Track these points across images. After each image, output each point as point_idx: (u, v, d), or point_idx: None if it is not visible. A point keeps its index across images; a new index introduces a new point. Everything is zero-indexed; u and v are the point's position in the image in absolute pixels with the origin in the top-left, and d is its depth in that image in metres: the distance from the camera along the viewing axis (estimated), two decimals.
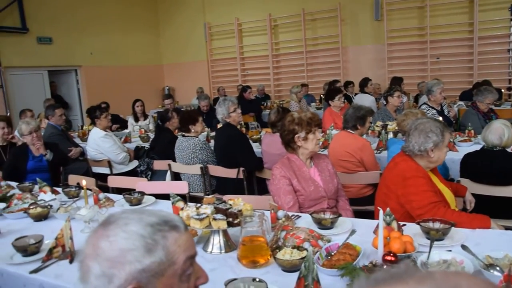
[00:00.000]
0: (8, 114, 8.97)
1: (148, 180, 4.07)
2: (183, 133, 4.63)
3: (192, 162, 4.47)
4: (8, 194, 3.35)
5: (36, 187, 3.58)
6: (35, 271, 2.04)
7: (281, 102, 9.48)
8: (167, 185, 3.80)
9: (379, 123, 5.28)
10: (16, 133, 5.33)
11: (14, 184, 3.80)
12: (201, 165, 4.36)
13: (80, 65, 11.31)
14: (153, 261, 0.94)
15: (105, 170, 5.29)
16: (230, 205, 2.06)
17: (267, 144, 4.32)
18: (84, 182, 2.73)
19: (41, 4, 10.20)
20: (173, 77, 13.66)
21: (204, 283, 1.06)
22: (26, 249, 2.20)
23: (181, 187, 3.48)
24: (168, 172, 4.67)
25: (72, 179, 4.14)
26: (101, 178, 4.94)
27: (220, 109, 4.33)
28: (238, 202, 2.09)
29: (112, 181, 4.09)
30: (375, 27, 10.78)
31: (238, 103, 4.46)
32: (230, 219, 1.98)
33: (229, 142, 4.28)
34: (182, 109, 6.04)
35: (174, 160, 4.67)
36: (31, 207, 2.92)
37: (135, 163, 5.36)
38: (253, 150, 4.44)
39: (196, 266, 1.05)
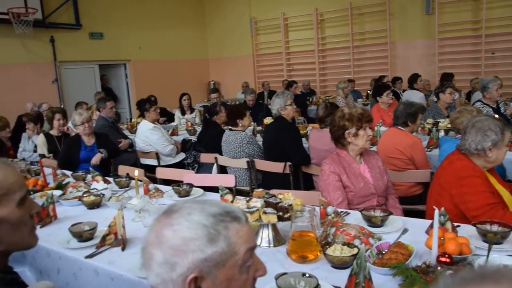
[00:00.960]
0: (62, 106, 9.34)
1: (195, 173, 4.12)
2: (230, 127, 4.66)
3: (239, 156, 4.50)
4: (64, 182, 3.49)
5: (89, 176, 3.71)
6: (90, 256, 2.12)
7: (326, 98, 9.38)
8: (214, 178, 3.84)
9: (430, 120, 5.12)
10: (69, 124, 5.56)
11: (68, 173, 3.96)
12: (248, 159, 4.38)
13: (129, 59, 11.63)
14: (215, 250, 0.95)
15: (152, 161, 5.41)
16: (280, 199, 2.05)
17: (314, 139, 4.28)
18: (136, 172, 2.79)
19: (93, 0, 10.55)
20: (218, 72, 13.79)
21: (262, 275, 1.06)
22: (81, 234, 2.28)
23: (228, 180, 3.51)
24: (215, 165, 4.72)
25: (122, 169, 4.27)
26: (148, 170, 5.07)
27: (278, 100, 4.33)
28: (288, 196, 2.08)
29: (160, 173, 4.18)
30: (425, 21, 10.44)
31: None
32: (280, 213, 1.98)
33: (280, 134, 4.28)
34: (229, 103, 6.09)
35: (221, 154, 4.72)
36: (85, 195, 3.02)
37: (182, 156, 5.45)
38: (303, 144, 4.42)
39: (255, 258, 1.05)
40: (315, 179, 4.18)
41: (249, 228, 1.03)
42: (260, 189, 2.25)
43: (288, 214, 1.97)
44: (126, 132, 6.85)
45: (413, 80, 7.99)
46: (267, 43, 12.82)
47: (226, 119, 5.15)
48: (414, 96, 7.10)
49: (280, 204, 2.00)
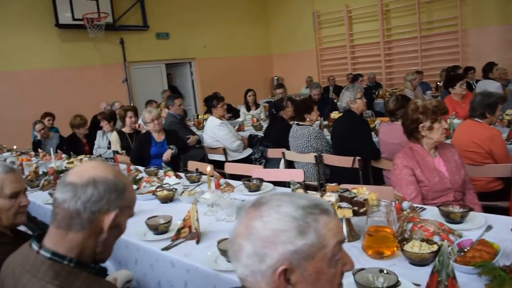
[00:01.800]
0: (131, 104, 9.77)
1: (263, 168, 4.15)
2: (298, 122, 4.65)
3: (306, 150, 4.48)
4: (137, 177, 3.64)
5: (161, 171, 3.83)
6: (166, 248, 2.19)
7: (393, 90, 9.08)
8: (283, 173, 3.85)
9: (510, 111, 4.80)
10: (140, 121, 5.80)
11: (141, 168, 4.12)
12: (316, 154, 4.35)
13: (194, 58, 11.91)
14: (305, 243, 0.94)
15: (220, 157, 5.52)
16: (355, 193, 2.01)
17: (384, 133, 4.17)
18: (208, 168, 2.85)
19: (159, 2, 10.91)
20: (282, 67, 13.79)
21: (349, 270, 1.05)
22: (157, 227, 2.36)
23: (297, 175, 3.50)
24: (282, 160, 4.74)
25: (191, 165, 4.38)
26: (216, 165, 5.15)
27: (348, 93, 4.26)
28: (362, 191, 2.03)
29: (229, 168, 4.24)
30: (502, 5, 9.77)
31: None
32: (356, 208, 1.94)
33: (349, 127, 4.21)
34: (296, 98, 6.08)
35: (288, 149, 4.72)
36: (158, 189, 3.13)
37: (249, 151, 5.52)
38: (372, 138, 4.32)
39: (343, 252, 1.03)
40: (385, 173, 4.07)
41: (337, 222, 1.02)
42: (334, 184, 2.22)
43: (364, 209, 1.92)
44: (193, 129, 7.02)
45: (488, 69, 7.51)
46: (331, 36, 12.62)
47: (292, 114, 5.15)
48: (490, 86, 6.67)
49: (355, 199, 1.96)
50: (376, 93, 9.66)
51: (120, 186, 1.30)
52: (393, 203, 2.17)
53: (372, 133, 4.71)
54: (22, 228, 2.14)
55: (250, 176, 3.45)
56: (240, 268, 0.98)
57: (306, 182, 4.34)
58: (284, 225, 0.95)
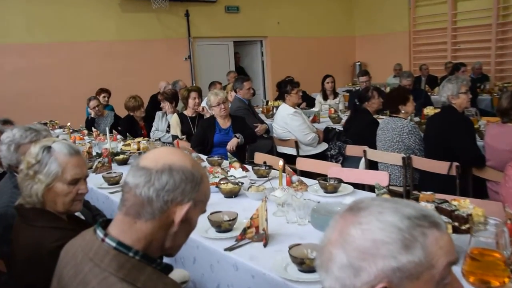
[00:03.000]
0: (194, 84, 10.01)
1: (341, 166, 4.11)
2: (391, 114, 4.60)
3: (396, 146, 4.41)
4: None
5: (225, 161, 3.91)
6: (230, 249, 2.22)
7: (505, 85, 8.60)
8: (365, 174, 3.79)
9: None
10: (204, 104, 5.93)
11: (203, 157, 4.22)
12: (403, 155, 4.24)
13: (265, 36, 11.98)
14: (410, 260, 0.91)
15: (291, 150, 5.55)
16: (455, 206, 1.93)
17: (493, 136, 3.96)
18: (281, 162, 2.86)
19: None
20: (366, 51, 13.51)
21: None
22: (220, 224, 2.40)
23: (381, 178, 3.41)
24: (362, 160, 4.69)
25: (259, 157, 4.45)
26: (286, 159, 5.14)
27: (451, 86, 4.10)
28: (465, 204, 1.94)
29: (301, 163, 4.25)
30: None
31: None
32: (456, 224, 1.86)
33: (448, 127, 4.05)
34: (382, 89, 5.96)
35: (370, 146, 4.64)
36: (222, 182, 3.18)
37: (324, 146, 5.50)
38: (476, 141, 4.15)
39: (453, 276, 0.99)
40: (491, 186, 3.88)
41: (449, 238, 0.97)
42: (429, 192, 2.14)
43: (467, 226, 1.84)
44: (262, 116, 7.09)
45: None
46: (428, 16, 12.13)
47: (378, 107, 5.05)
48: None
49: (456, 213, 1.88)
50: (482, 87, 9.22)
51: (197, 177, 1.34)
52: (506, 223, 2.06)
53: (476, 135, 4.49)
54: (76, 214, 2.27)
55: (325, 175, 3.43)
56: (329, 281, 0.97)
57: (390, 187, 4.23)
58: (387, 236, 0.92)
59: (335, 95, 7.98)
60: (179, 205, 1.31)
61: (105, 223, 1.39)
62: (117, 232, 1.32)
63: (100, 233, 1.34)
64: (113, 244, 1.30)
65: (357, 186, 3.27)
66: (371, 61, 13.36)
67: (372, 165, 4.67)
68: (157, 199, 1.29)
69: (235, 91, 6.39)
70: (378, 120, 5.08)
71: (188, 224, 1.37)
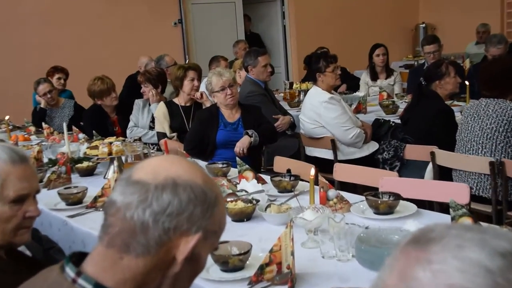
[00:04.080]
0: (187, 61, 9.99)
1: (398, 176, 4.08)
2: (489, 96, 4.53)
3: (492, 138, 4.36)
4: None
5: (233, 170, 3.92)
6: None
7: None
8: (434, 187, 3.76)
9: None
10: (202, 88, 5.90)
11: (201, 163, 4.21)
12: (492, 159, 4.21)
13: None
14: None
15: (326, 153, 5.53)
16: None
17: None
18: (312, 171, 2.84)
19: None
20: (433, 8, 13.48)
21: None
22: (227, 260, 2.38)
23: (458, 192, 3.37)
24: (429, 166, 4.68)
25: (280, 163, 4.44)
26: (320, 165, 5.11)
27: None
28: None
29: (341, 171, 4.23)
30: None
31: None
32: None
33: None
34: (458, 62, 5.90)
35: (441, 146, 4.64)
36: (229, 199, 3.16)
37: (373, 146, 5.51)
38: None
39: None
40: None
41: None
42: None
43: None
44: (284, 105, 7.06)
45: None
46: None
47: (454, 89, 4.95)
48: None
49: None
50: None
51: (210, 197, 1.32)
52: None
53: None
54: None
55: (376, 188, 3.43)
56: None
57: (472, 205, 4.20)
58: (471, 281, 0.89)
59: (389, 72, 8.00)
60: (185, 235, 1.28)
61: (78, 258, 1.37)
62: (96, 270, 1.30)
63: (70, 271, 1.32)
64: (89, 287, 1.28)
65: (422, 204, 3.25)
66: (441, 22, 13.37)
67: (444, 173, 4.64)
68: (155, 225, 1.26)
69: (246, 70, 6.40)
70: (453, 107, 5.04)
71: (195, 263, 1.35)
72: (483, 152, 4.43)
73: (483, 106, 4.54)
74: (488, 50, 7.24)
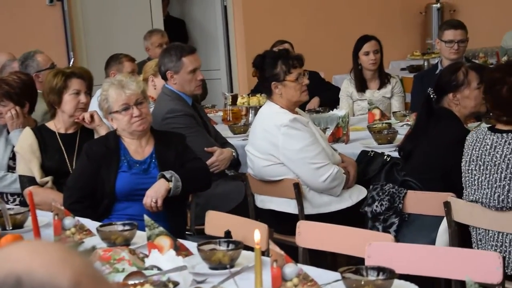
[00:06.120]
0: (71, 62, 9.94)
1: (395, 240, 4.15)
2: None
3: None
4: (82, 249, 3.71)
5: (139, 234, 3.96)
6: None
7: None
8: (452, 258, 3.78)
9: None
10: (94, 106, 5.87)
11: (91, 224, 4.22)
12: None
13: None
14: None
15: (286, 204, 5.55)
16: None
17: None
18: (257, 235, 2.86)
19: None
20: None
21: None
22: None
23: (484, 265, 3.43)
24: (443, 224, 4.71)
25: (215, 221, 4.49)
26: (276, 222, 5.13)
27: None
28: None
29: (307, 233, 4.24)
30: None
31: None
32: None
33: None
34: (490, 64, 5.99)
35: (460, 192, 4.70)
36: (131, 282, 3.15)
37: (359, 194, 5.56)
38: None
39: None
40: None
41: None
42: None
43: None
44: (223, 130, 7.15)
45: None
46: None
47: (477, 107, 5.00)
48: None
49: None
50: None
51: None
52: None
53: None
54: None
55: (360, 260, 3.53)
56: None
57: (505, 284, 4.27)
58: None
59: (384, 79, 8.11)
60: None
61: None
62: None
63: None
64: None
65: (431, 284, 3.29)
66: (464, 1, 13.65)
67: (466, 232, 4.71)
68: None
69: (164, 77, 6.41)
70: (484, 127, 5.03)
71: None
72: None
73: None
74: None
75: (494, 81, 4.69)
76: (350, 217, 5.21)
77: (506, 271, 4.16)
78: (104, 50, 8.59)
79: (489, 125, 4.79)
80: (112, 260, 3.46)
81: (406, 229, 5.04)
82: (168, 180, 4.81)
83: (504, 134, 4.53)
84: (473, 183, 4.65)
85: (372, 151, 6.05)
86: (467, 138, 4.78)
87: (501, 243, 4.52)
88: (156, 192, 4.76)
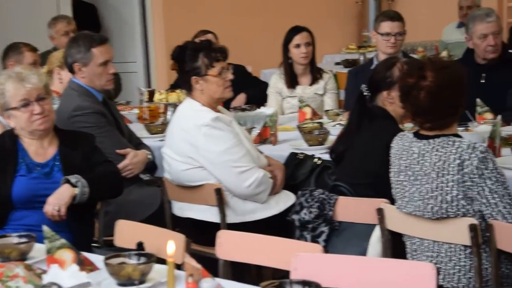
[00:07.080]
0: None
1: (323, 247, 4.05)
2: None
3: (444, 206, 4.46)
4: None
5: (37, 247, 3.78)
6: None
7: None
8: (379, 268, 3.72)
9: None
10: None
11: None
12: (474, 221, 4.31)
13: None
14: None
15: (206, 212, 5.50)
16: None
17: None
18: (171, 247, 2.66)
19: None
20: None
21: None
22: None
23: (418, 277, 3.37)
24: (376, 232, 4.80)
25: (126, 231, 4.36)
26: (195, 233, 5.23)
27: None
28: None
29: (228, 244, 4.15)
30: None
31: None
32: None
33: None
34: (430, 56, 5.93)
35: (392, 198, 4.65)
36: None
37: (286, 200, 5.59)
38: None
39: None
40: None
41: None
42: None
43: None
44: (138, 129, 7.12)
45: None
46: None
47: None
48: None
49: None
50: None
51: None
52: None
53: None
54: None
55: (285, 273, 3.53)
56: None
57: None
58: None
59: (316, 74, 8.20)
60: None
61: None
62: None
63: None
64: None
65: None
66: None
67: (397, 243, 4.71)
68: None
69: (71, 70, 6.27)
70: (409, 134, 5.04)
71: None
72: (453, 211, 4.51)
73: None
74: (472, 30, 7.35)
75: (409, 87, 4.71)
76: (277, 225, 5.25)
77: (443, 283, 4.45)
78: (0, 38, 8.35)
79: (413, 131, 4.82)
80: (4, 277, 3.32)
81: (336, 238, 5.07)
82: (74, 186, 4.66)
83: (431, 140, 4.59)
84: (403, 195, 4.72)
85: (302, 153, 6.07)
86: (391, 145, 4.84)
87: (437, 254, 4.59)
88: (59, 199, 4.60)
